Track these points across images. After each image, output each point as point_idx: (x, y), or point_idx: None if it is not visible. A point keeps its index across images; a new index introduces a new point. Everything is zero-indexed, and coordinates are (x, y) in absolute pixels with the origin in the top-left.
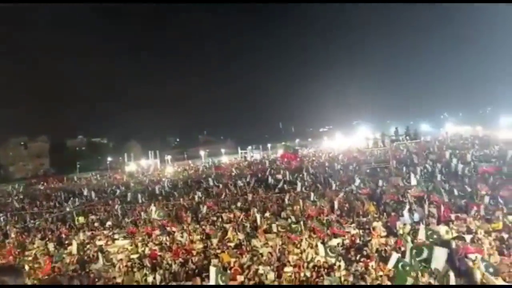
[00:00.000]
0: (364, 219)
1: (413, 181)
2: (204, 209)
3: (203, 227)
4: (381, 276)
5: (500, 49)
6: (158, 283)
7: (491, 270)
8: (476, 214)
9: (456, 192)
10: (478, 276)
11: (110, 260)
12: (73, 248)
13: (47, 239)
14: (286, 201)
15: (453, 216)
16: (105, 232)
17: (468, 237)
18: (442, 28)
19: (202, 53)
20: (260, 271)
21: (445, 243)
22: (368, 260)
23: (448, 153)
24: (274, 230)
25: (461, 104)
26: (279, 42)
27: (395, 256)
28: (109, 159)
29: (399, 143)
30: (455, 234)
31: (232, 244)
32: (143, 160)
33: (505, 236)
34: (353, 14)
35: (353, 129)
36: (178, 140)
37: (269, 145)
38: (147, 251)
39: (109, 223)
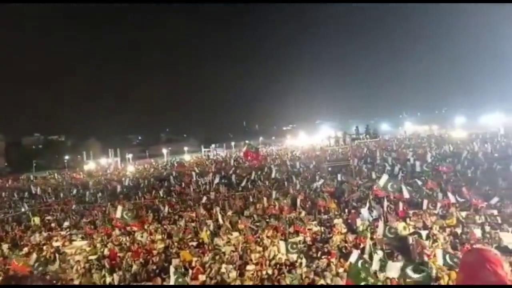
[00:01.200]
0: (326, 216)
1: (381, 182)
2: (165, 209)
3: (165, 226)
4: (341, 272)
5: (457, 53)
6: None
7: (455, 260)
8: (432, 210)
9: (414, 189)
10: (434, 271)
11: (67, 261)
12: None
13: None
14: (250, 199)
15: (410, 213)
16: (62, 233)
17: (424, 233)
18: (402, 31)
19: (165, 51)
20: (222, 270)
21: (402, 239)
22: (329, 257)
23: (406, 151)
24: (238, 228)
25: (419, 105)
26: (243, 41)
27: (355, 253)
28: (67, 157)
29: (360, 141)
30: (412, 230)
31: (194, 243)
32: (102, 158)
33: (459, 231)
34: (316, 14)
35: (315, 128)
36: (139, 138)
37: (232, 144)
38: (106, 252)
39: (66, 223)
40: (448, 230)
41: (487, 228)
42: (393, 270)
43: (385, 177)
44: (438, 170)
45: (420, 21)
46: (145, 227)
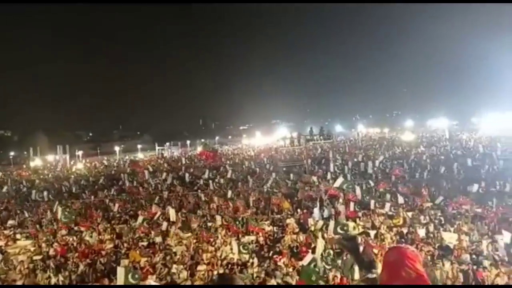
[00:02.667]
0: (279, 216)
1: (337, 182)
2: (115, 208)
3: (114, 226)
4: (291, 271)
5: (409, 58)
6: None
7: None
8: (380, 210)
9: (365, 190)
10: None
11: (10, 262)
12: None
13: None
14: (203, 199)
15: (360, 213)
16: (6, 232)
17: (372, 233)
18: (356, 35)
19: (119, 45)
20: (173, 270)
21: (351, 238)
22: (281, 256)
23: (358, 152)
24: (190, 228)
25: (371, 108)
26: (200, 38)
27: (309, 256)
28: (12, 153)
29: (314, 142)
30: (361, 230)
31: (144, 243)
32: (50, 155)
33: (405, 231)
34: (274, 14)
35: (272, 128)
36: (90, 134)
37: (188, 142)
38: (51, 252)
39: (10, 222)
40: (394, 229)
41: (431, 228)
42: (344, 269)
43: (341, 178)
44: (388, 172)
45: (374, 26)
46: (94, 226)
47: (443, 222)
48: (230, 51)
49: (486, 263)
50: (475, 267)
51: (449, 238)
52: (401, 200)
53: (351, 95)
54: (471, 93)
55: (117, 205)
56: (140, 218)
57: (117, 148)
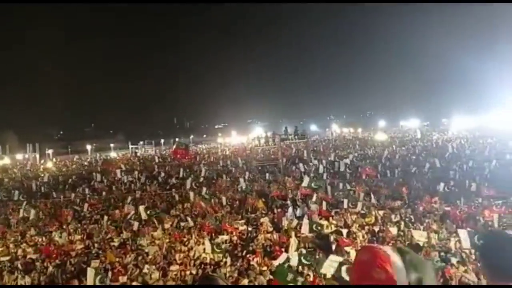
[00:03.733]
0: (253, 215)
1: (305, 181)
2: (85, 207)
3: (85, 226)
4: (264, 270)
5: (382, 59)
6: None
7: None
8: (353, 209)
9: (338, 189)
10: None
11: None
12: None
13: None
14: (177, 198)
15: (333, 212)
16: None
17: (344, 231)
18: (331, 35)
19: (91, 42)
20: (145, 271)
21: (324, 237)
22: (254, 256)
23: (332, 152)
24: (163, 227)
25: (345, 108)
26: (175, 37)
27: (283, 255)
28: None
29: (289, 141)
30: (334, 229)
31: (116, 244)
32: (19, 153)
33: (376, 229)
34: (249, 14)
35: (247, 127)
36: (61, 132)
37: (162, 141)
38: (19, 252)
39: None
40: (366, 228)
41: (402, 226)
42: (326, 268)
43: (307, 177)
44: (361, 171)
45: (348, 28)
46: (64, 226)
47: (413, 220)
48: (206, 51)
49: (454, 260)
50: (443, 264)
51: (419, 236)
52: (374, 200)
53: (325, 95)
54: (441, 95)
55: (87, 204)
56: (105, 219)
57: (88, 147)
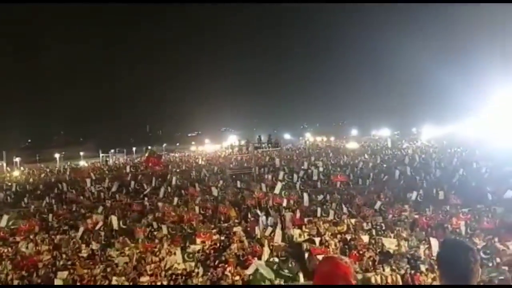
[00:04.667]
0: (226, 224)
1: (277, 189)
2: (53, 217)
3: (52, 236)
4: (236, 280)
5: (356, 69)
6: None
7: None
8: (325, 218)
9: (311, 198)
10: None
11: None
12: None
13: None
14: (148, 207)
15: (306, 220)
16: None
17: (317, 240)
18: (303, 44)
19: (61, 46)
20: (114, 282)
21: (297, 246)
22: (226, 265)
23: (305, 160)
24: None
25: (318, 117)
26: (147, 43)
27: (254, 263)
28: None
29: (262, 150)
30: (306, 237)
31: (84, 255)
32: None
33: (348, 237)
34: (223, 22)
35: (220, 135)
36: (29, 140)
37: (134, 149)
38: None
39: None
40: (338, 236)
41: (373, 234)
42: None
43: (279, 185)
44: (334, 179)
45: (321, 38)
46: (31, 237)
47: (384, 228)
48: (179, 59)
49: (423, 267)
50: (413, 271)
51: (390, 243)
52: (345, 209)
53: (299, 104)
54: (412, 105)
55: (51, 215)
56: (80, 229)
57: (57, 155)
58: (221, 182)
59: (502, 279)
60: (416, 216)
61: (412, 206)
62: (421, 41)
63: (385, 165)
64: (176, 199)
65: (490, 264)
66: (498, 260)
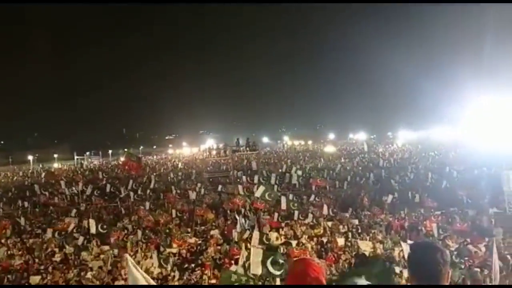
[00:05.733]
0: (203, 228)
1: (257, 192)
2: (25, 221)
3: (25, 240)
4: (214, 283)
5: (333, 74)
6: None
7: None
8: (303, 221)
9: (289, 200)
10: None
11: None
12: None
13: None
14: (123, 211)
15: (283, 223)
16: None
17: (294, 242)
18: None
19: (36, 47)
20: None
21: (273, 248)
22: (203, 269)
23: (283, 163)
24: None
25: (296, 120)
26: (124, 44)
27: (233, 267)
28: None
29: (241, 153)
30: (283, 240)
31: (57, 259)
32: None
33: (325, 240)
34: (202, 25)
35: (198, 138)
36: (1, 142)
37: (110, 152)
38: None
39: None
40: (315, 239)
41: (349, 237)
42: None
43: (261, 188)
44: (312, 182)
45: (298, 42)
46: (2, 241)
47: (360, 231)
48: (156, 60)
49: (397, 269)
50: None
51: (365, 246)
52: (326, 211)
53: (277, 107)
54: (387, 110)
55: (23, 218)
56: (49, 231)
57: (30, 157)
58: (198, 185)
59: (474, 281)
60: (391, 219)
61: (388, 209)
62: (397, 47)
63: (360, 168)
64: (148, 203)
65: (463, 266)
66: (470, 262)
